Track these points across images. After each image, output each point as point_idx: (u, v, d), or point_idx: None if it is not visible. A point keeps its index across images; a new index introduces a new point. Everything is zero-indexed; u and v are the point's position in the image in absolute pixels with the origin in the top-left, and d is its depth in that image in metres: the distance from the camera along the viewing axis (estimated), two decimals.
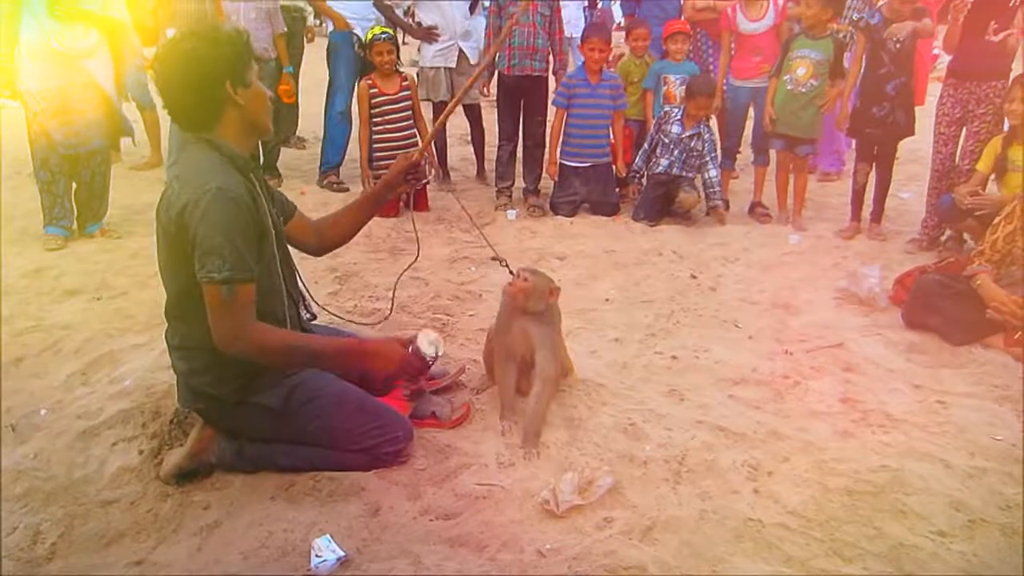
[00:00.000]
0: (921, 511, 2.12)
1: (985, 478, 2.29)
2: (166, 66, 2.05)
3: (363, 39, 5.31)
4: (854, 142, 4.95)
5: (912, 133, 4.57)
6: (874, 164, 4.66)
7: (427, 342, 2.23)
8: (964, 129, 4.31)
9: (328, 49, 5.60)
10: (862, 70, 4.63)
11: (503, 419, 2.57)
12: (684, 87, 5.04)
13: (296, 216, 2.48)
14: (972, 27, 4.15)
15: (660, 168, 4.95)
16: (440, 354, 2.27)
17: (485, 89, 5.33)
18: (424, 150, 2.68)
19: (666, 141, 4.92)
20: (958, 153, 4.35)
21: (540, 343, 2.58)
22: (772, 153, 5.03)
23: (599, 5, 19.23)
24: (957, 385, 2.88)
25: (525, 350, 2.61)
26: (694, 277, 4.05)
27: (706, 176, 4.96)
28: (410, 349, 2.22)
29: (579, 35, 5.61)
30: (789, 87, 4.67)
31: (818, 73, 4.59)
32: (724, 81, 5.27)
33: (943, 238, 4.46)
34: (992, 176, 4.02)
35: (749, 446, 2.45)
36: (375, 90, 4.96)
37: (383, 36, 4.91)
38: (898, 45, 4.33)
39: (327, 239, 2.57)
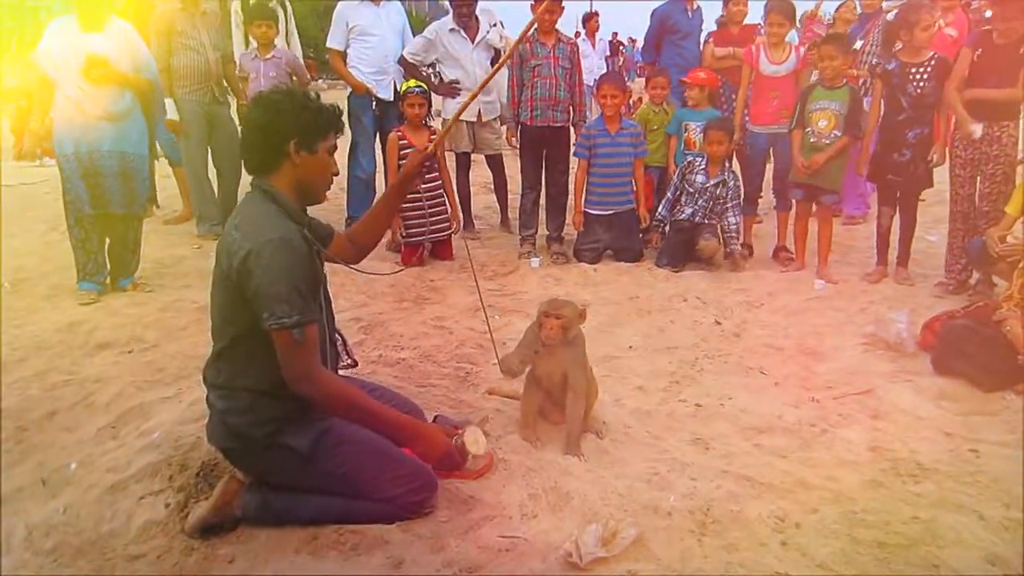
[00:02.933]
0: (955, 565, 2.07)
1: (1021, 531, 2.22)
2: (255, 104, 2.25)
3: (382, 99, 5.48)
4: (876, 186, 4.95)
5: (931, 185, 4.58)
6: (898, 208, 4.65)
7: (473, 440, 2.39)
8: (980, 172, 4.28)
9: (348, 113, 5.74)
10: (880, 115, 4.65)
11: (524, 437, 2.78)
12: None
13: (335, 237, 2.59)
14: (980, 72, 4.18)
15: (684, 216, 4.98)
16: (483, 453, 2.44)
17: (513, 140, 5.42)
18: (439, 143, 2.84)
19: (691, 190, 4.96)
20: (976, 196, 4.32)
21: (570, 364, 2.76)
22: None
23: (621, 52, 19.54)
24: (990, 433, 2.82)
25: (556, 375, 2.79)
26: (718, 323, 4.03)
27: (725, 223, 4.97)
28: (455, 442, 2.38)
29: None
30: (812, 139, 4.65)
31: (840, 124, 4.59)
32: (743, 120, 5.31)
33: (972, 281, 4.40)
34: (1022, 218, 3.98)
35: (776, 496, 2.41)
36: (404, 142, 5.04)
37: (416, 89, 5.03)
38: (918, 90, 4.34)
39: (361, 245, 2.70)
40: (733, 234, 4.97)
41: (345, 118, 5.83)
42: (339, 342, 2.52)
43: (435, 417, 2.75)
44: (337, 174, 2.36)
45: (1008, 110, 4.17)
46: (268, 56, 5.46)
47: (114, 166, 4.26)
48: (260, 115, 2.21)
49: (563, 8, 5.09)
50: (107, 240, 4.47)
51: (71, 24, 4.15)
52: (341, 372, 2.56)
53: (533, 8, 5.06)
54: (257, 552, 2.17)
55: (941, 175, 4.64)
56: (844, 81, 4.69)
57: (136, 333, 3.88)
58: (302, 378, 2.13)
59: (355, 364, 2.63)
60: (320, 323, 2.25)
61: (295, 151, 2.20)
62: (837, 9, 6.69)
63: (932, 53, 4.39)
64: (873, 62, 5.70)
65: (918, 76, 4.35)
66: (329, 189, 2.36)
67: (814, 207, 4.82)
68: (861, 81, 5.77)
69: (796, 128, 4.74)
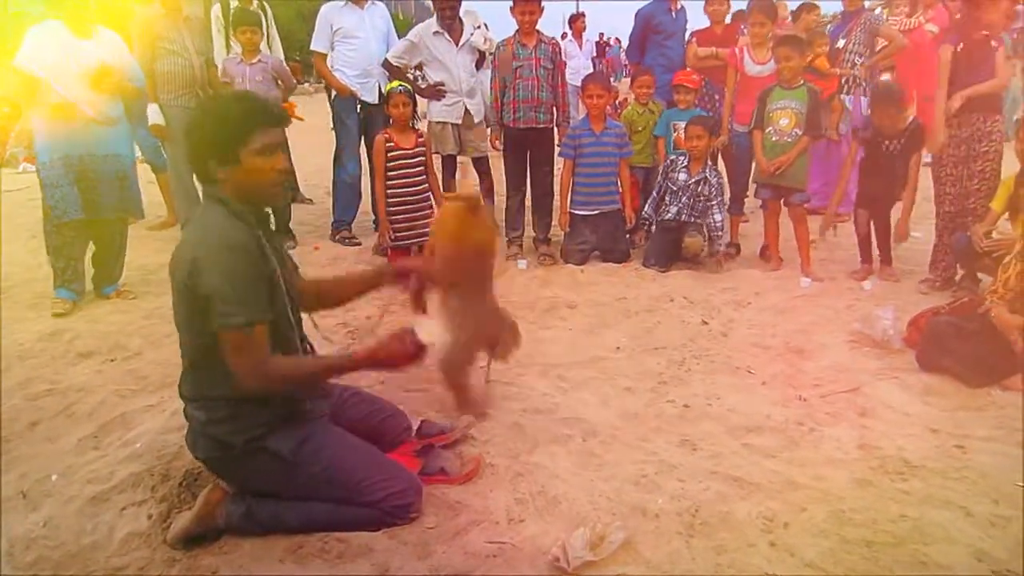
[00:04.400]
0: (943, 562, 2.07)
1: (1009, 526, 2.23)
2: (189, 123, 2.20)
3: (367, 102, 5.47)
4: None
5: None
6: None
7: (425, 331, 2.25)
8: (968, 170, 4.29)
9: (333, 116, 5.72)
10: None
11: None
12: None
13: (301, 279, 2.53)
14: (957, 70, 4.20)
15: (669, 215, 4.98)
16: (435, 342, 2.30)
17: (497, 142, 5.39)
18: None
19: (674, 188, 4.96)
20: (964, 194, 4.32)
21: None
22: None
23: (606, 54, 19.56)
24: (976, 429, 2.82)
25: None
26: (705, 323, 4.03)
27: (710, 221, 4.97)
28: (408, 339, 2.23)
29: None
30: (774, 138, 4.66)
31: (800, 122, 4.60)
32: (729, 121, 5.32)
33: (957, 277, 4.42)
34: (1006, 215, 4.00)
35: (764, 496, 2.41)
36: (391, 144, 5.01)
37: (400, 89, 4.98)
38: (892, 152, 4.43)
39: (327, 298, 2.63)
40: (719, 232, 4.97)
41: (330, 121, 5.85)
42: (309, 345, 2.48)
43: (421, 422, 2.74)
44: (282, 170, 2.21)
45: (994, 103, 4.19)
46: (254, 61, 5.43)
47: (110, 170, 4.25)
48: (186, 135, 2.19)
49: (542, 9, 5.07)
50: (90, 247, 4.43)
51: (61, 29, 4.09)
52: None
53: (512, 11, 5.06)
54: (241, 562, 2.14)
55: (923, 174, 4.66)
56: (802, 81, 4.70)
57: (119, 341, 3.84)
58: (250, 375, 2.09)
59: None
60: (282, 326, 2.23)
61: (217, 168, 2.14)
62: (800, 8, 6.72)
63: (909, 122, 4.44)
64: (856, 61, 5.73)
65: (891, 145, 4.46)
66: (280, 185, 2.24)
67: (784, 207, 4.84)
68: (844, 79, 5.80)
69: (755, 128, 4.76)
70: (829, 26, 6.84)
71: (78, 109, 4.10)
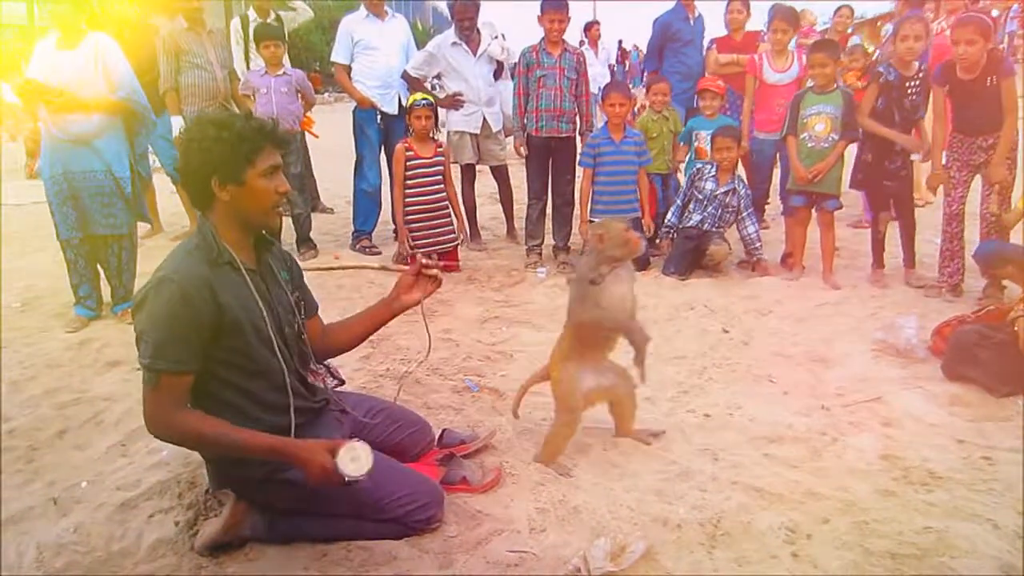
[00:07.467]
0: (969, 575, 2.04)
1: None
2: (180, 147, 2.16)
3: (387, 113, 5.53)
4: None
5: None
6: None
7: (349, 459, 2.05)
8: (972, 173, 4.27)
9: (353, 126, 5.78)
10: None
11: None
12: None
13: (314, 320, 2.51)
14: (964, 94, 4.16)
15: (691, 223, 4.97)
16: (363, 475, 2.05)
17: (522, 148, 5.39)
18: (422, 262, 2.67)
19: (700, 197, 4.95)
20: (978, 199, 4.31)
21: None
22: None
23: (628, 60, 19.53)
24: (1003, 439, 2.79)
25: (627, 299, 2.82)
26: (726, 331, 4.01)
27: (745, 232, 4.96)
28: (331, 463, 2.06)
29: None
30: (810, 144, 4.62)
31: (836, 127, 4.56)
32: (749, 128, 5.30)
33: (984, 287, 4.36)
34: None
35: (786, 507, 2.39)
36: (411, 153, 5.06)
37: (423, 102, 5.04)
38: (911, 103, 4.36)
39: (333, 342, 2.55)
40: (756, 244, 4.96)
41: (350, 132, 5.92)
42: (322, 371, 2.46)
43: (442, 432, 2.75)
44: (284, 192, 2.18)
45: (993, 125, 4.13)
46: (279, 73, 5.51)
47: (90, 187, 4.12)
48: (180, 156, 2.13)
49: (570, 18, 5.10)
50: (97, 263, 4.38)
51: (50, 43, 4.02)
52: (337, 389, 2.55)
53: (541, 19, 5.08)
54: (266, 569, 2.16)
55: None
56: (836, 85, 4.67)
57: None
58: (154, 424, 2.05)
59: (342, 383, 2.58)
60: (261, 365, 2.15)
61: (219, 187, 2.08)
62: (837, 10, 6.72)
63: (918, 65, 4.38)
64: (878, 70, 5.69)
65: (911, 89, 4.37)
66: (278, 210, 2.22)
67: (814, 213, 4.80)
68: (861, 86, 5.76)
69: (790, 135, 4.72)
70: (850, 29, 6.81)
71: (51, 128, 4.03)
